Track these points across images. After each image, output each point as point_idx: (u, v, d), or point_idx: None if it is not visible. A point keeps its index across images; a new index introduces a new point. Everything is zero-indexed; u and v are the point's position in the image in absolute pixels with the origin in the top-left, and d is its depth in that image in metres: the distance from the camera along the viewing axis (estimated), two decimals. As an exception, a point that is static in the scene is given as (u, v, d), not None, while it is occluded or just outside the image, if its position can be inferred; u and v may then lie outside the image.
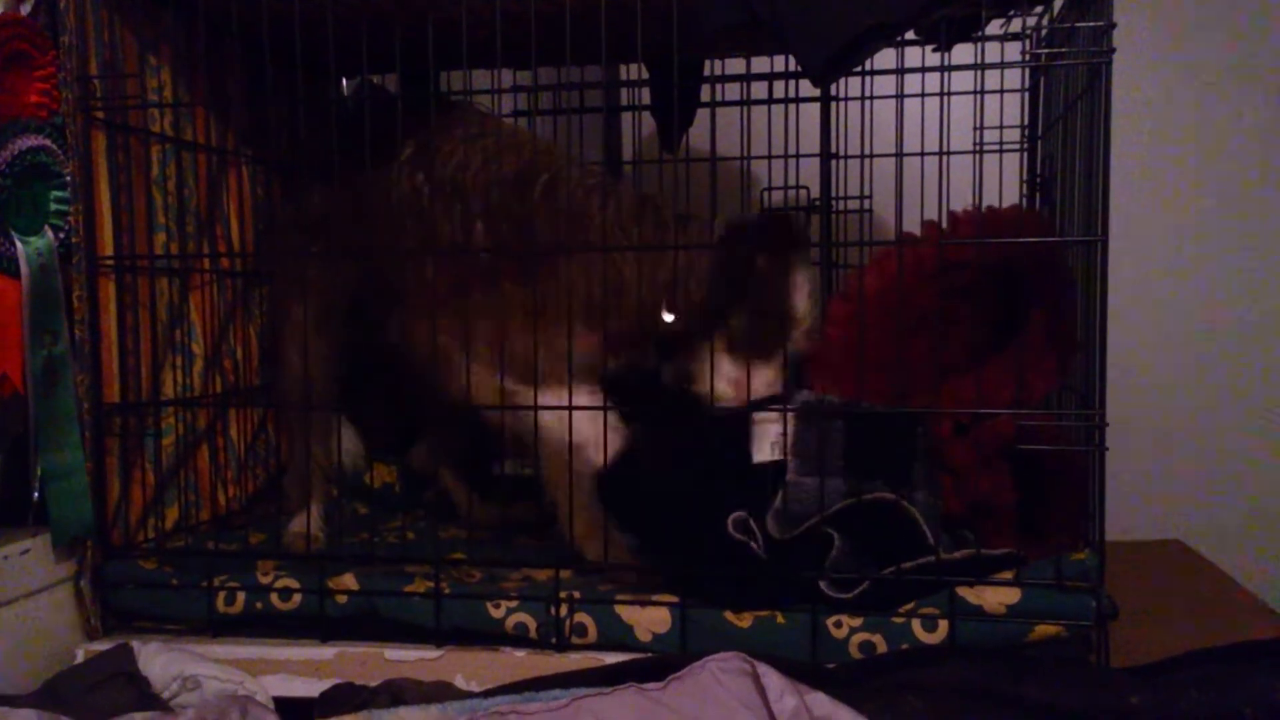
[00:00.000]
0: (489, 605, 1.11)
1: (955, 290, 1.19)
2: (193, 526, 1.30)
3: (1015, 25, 1.28)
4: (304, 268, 1.34)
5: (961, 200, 1.12)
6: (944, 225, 1.16)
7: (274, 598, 1.16)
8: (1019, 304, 1.21)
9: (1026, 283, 1.21)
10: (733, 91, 1.29)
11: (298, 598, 1.16)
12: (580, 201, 1.23)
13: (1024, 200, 1.49)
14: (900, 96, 1.12)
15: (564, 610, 1.10)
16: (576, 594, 1.11)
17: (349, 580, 1.15)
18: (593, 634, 1.10)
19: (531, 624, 1.10)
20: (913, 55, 1.17)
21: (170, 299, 1.30)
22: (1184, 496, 1.82)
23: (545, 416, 1.17)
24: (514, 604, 1.11)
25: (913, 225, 1.21)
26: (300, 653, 1.12)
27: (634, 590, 1.12)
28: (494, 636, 1.12)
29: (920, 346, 1.20)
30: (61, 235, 1.18)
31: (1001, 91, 1.35)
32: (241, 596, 1.17)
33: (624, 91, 1.66)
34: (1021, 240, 1.17)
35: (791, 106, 1.45)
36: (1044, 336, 1.17)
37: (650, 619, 1.09)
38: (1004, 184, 1.24)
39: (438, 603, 1.12)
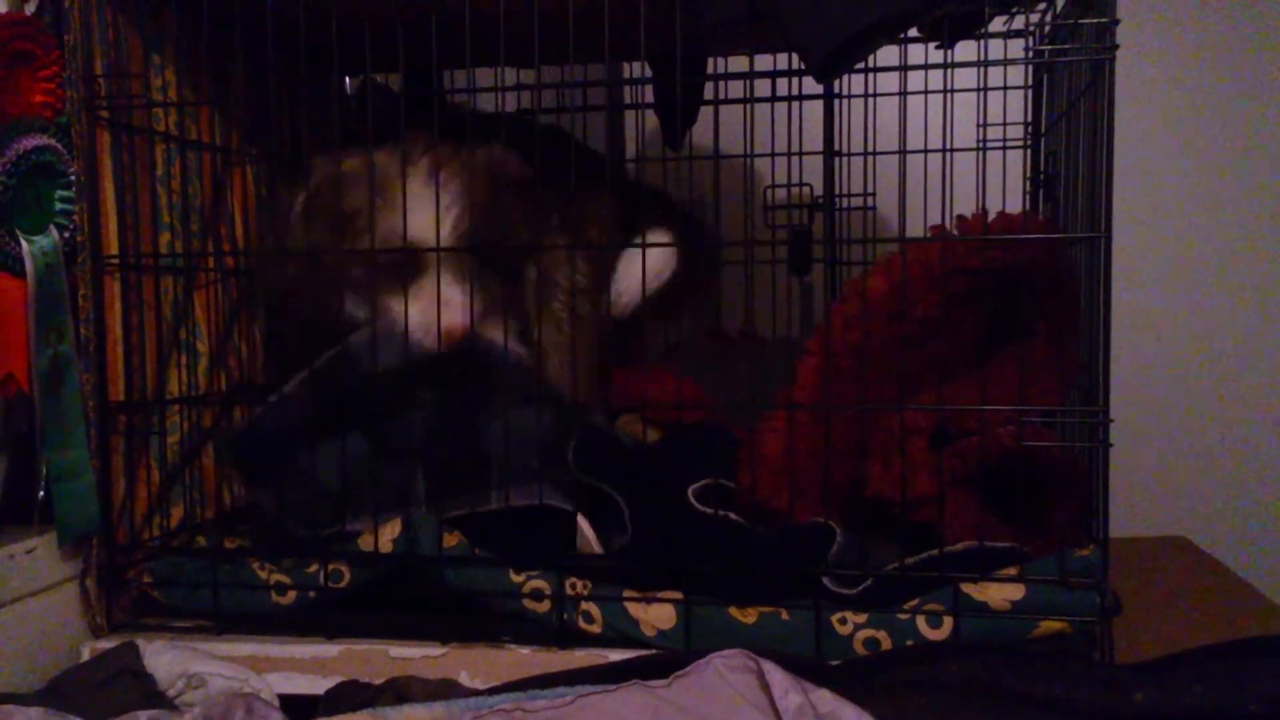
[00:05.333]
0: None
1: (955, 298, 1.17)
2: (198, 524, 1.30)
3: (1018, 22, 1.28)
4: None
5: (965, 198, 1.12)
6: (950, 228, 1.15)
7: (278, 595, 1.16)
8: (1019, 316, 1.20)
9: (1031, 295, 1.19)
10: (736, 89, 1.29)
11: (302, 595, 1.16)
12: None
13: (1026, 198, 1.49)
14: (903, 94, 1.12)
15: (569, 607, 1.10)
16: (584, 589, 1.11)
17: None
18: (598, 631, 1.10)
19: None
20: (916, 53, 1.17)
21: (175, 297, 1.30)
22: (1190, 493, 1.82)
23: None
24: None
25: (915, 222, 1.21)
26: (305, 650, 1.12)
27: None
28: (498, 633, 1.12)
29: (919, 356, 1.18)
30: (66, 234, 1.18)
31: (1004, 89, 1.35)
32: (246, 594, 1.17)
33: (627, 89, 1.66)
34: (1028, 238, 1.16)
35: (795, 104, 1.45)
36: (1046, 355, 1.16)
37: (655, 615, 1.09)
38: (1007, 181, 1.24)
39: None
